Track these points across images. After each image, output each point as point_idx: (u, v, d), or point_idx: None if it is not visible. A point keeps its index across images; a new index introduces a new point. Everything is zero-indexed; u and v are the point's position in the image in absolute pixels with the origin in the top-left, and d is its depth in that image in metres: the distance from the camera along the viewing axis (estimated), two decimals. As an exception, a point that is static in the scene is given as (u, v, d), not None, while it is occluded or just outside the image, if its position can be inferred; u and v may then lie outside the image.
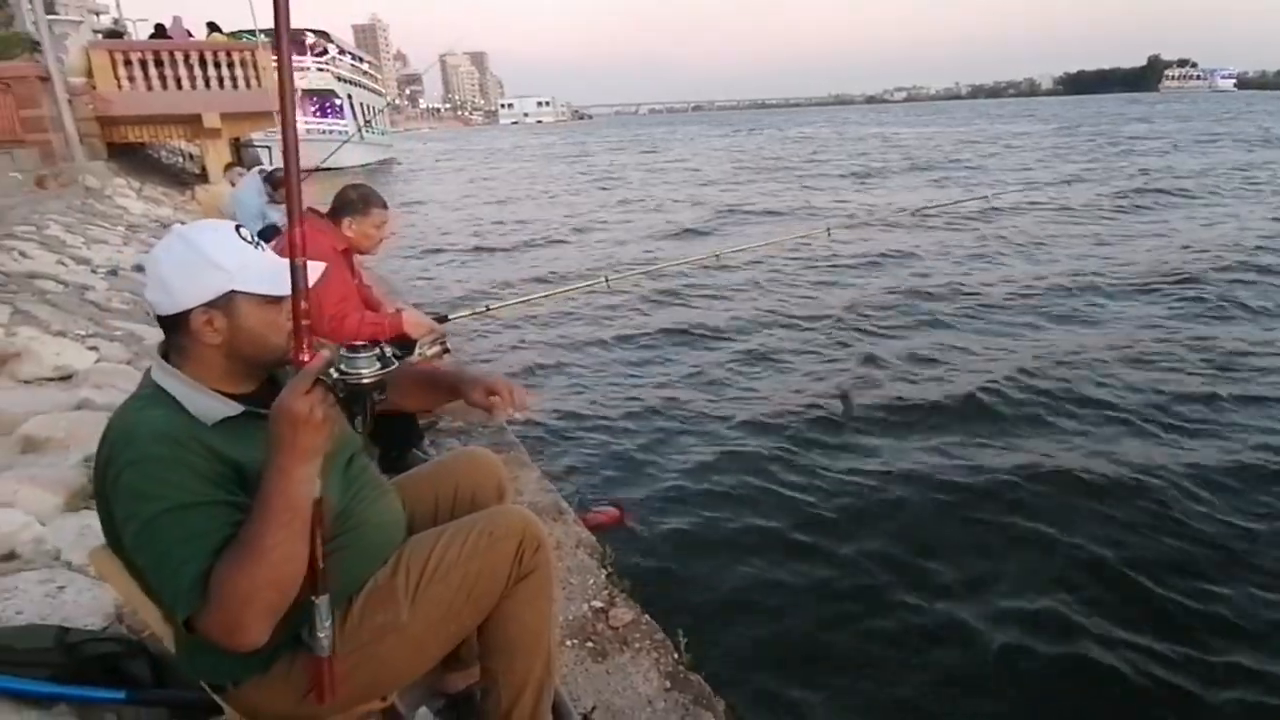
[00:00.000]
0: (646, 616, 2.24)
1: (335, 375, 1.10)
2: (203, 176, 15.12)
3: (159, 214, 10.32)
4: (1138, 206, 12.86)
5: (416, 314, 3.23)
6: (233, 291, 1.24)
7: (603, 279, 4.15)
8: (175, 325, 1.27)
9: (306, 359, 1.14)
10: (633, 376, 5.66)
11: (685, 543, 3.17)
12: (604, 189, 20.15)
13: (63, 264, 5.83)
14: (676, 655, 2.08)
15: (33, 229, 6.69)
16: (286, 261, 1.27)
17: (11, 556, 2.32)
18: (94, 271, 5.92)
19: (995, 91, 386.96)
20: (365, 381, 1.10)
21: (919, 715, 2.33)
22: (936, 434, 4.29)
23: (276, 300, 1.28)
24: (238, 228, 1.30)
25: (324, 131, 29.11)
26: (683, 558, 3.05)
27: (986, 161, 22.26)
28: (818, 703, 2.32)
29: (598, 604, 2.31)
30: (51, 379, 3.78)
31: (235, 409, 1.26)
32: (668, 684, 1.97)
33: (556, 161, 31.57)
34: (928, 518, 3.44)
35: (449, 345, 3.54)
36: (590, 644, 2.13)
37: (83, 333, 4.40)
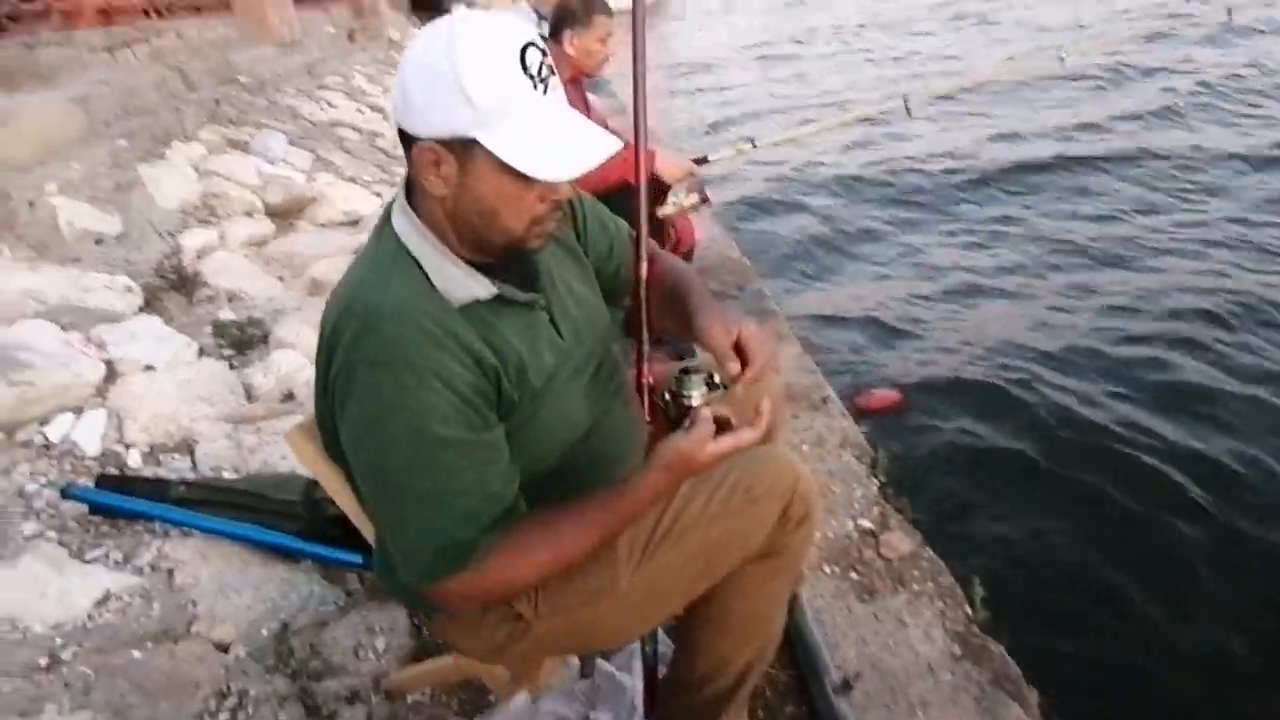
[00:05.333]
0: (929, 551, 1.78)
1: (667, 396, 1.09)
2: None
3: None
4: None
5: (672, 155, 2.76)
6: (474, 140, 0.89)
7: (900, 100, 3.07)
8: (406, 148, 0.95)
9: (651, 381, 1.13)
10: (929, 230, 4.69)
11: (985, 461, 2.53)
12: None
13: (360, 112, 6.22)
14: (969, 611, 1.61)
15: (340, 79, 7.22)
16: (577, 125, 0.94)
17: (290, 397, 2.42)
18: (386, 119, 6.26)
19: None
20: (694, 404, 1.07)
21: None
22: None
23: (532, 179, 0.91)
24: (527, 47, 0.90)
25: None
26: (980, 479, 2.43)
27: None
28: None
29: (866, 524, 1.88)
30: (341, 223, 4.01)
31: (487, 290, 0.96)
32: (957, 649, 1.52)
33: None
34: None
35: (707, 194, 3.04)
36: (855, 574, 1.73)
37: (370, 179, 4.63)
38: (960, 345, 3.34)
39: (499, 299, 0.98)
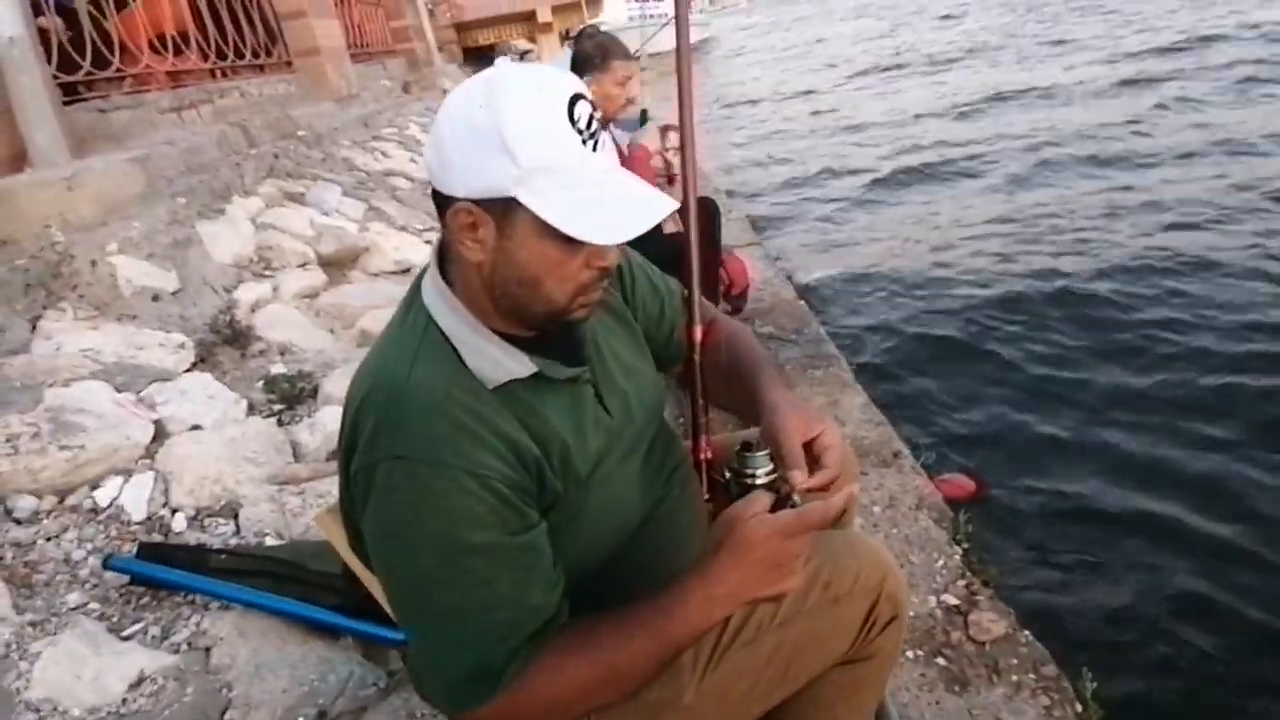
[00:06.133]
0: (1028, 634, 1.59)
1: (728, 474, 0.98)
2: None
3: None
4: None
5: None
6: (515, 200, 0.80)
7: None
8: (441, 211, 0.86)
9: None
10: (1008, 268, 4.41)
11: (1087, 537, 2.27)
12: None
13: (413, 161, 6.32)
14: (1080, 709, 1.42)
15: (395, 130, 7.39)
16: (629, 184, 0.84)
17: (335, 456, 2.37)
18: (438, 168, 6.34)
19: None
20: (760, 482, 0.95)
21: None
22: None
23: (577, 243, 0.82)
24: (575, 99, 0.81)
25: (648, 17, 29.03)
26: (1081, 557, 2.17)
27: None
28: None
29: (951, 599, 1.70)
30: (392, 272, 4.02)
31: (525, 368, 0.87)
32: (1067, 756, 1.33)
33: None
34: None
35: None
36: (942, 660, 1.55)
37: (421, 227, 4.66)
38: (1044, 400, 3.09)
39: (539, 376, 0.87)
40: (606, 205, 0.81)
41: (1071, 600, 1.98)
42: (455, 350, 0.85)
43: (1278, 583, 2.00)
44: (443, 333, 0.86)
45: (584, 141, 0.81)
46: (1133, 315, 3.63)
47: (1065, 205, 5.34)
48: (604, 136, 0.85)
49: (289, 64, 6.49)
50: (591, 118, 0.82)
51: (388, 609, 1.13)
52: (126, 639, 1.60)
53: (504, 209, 0.80)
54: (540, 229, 0.80)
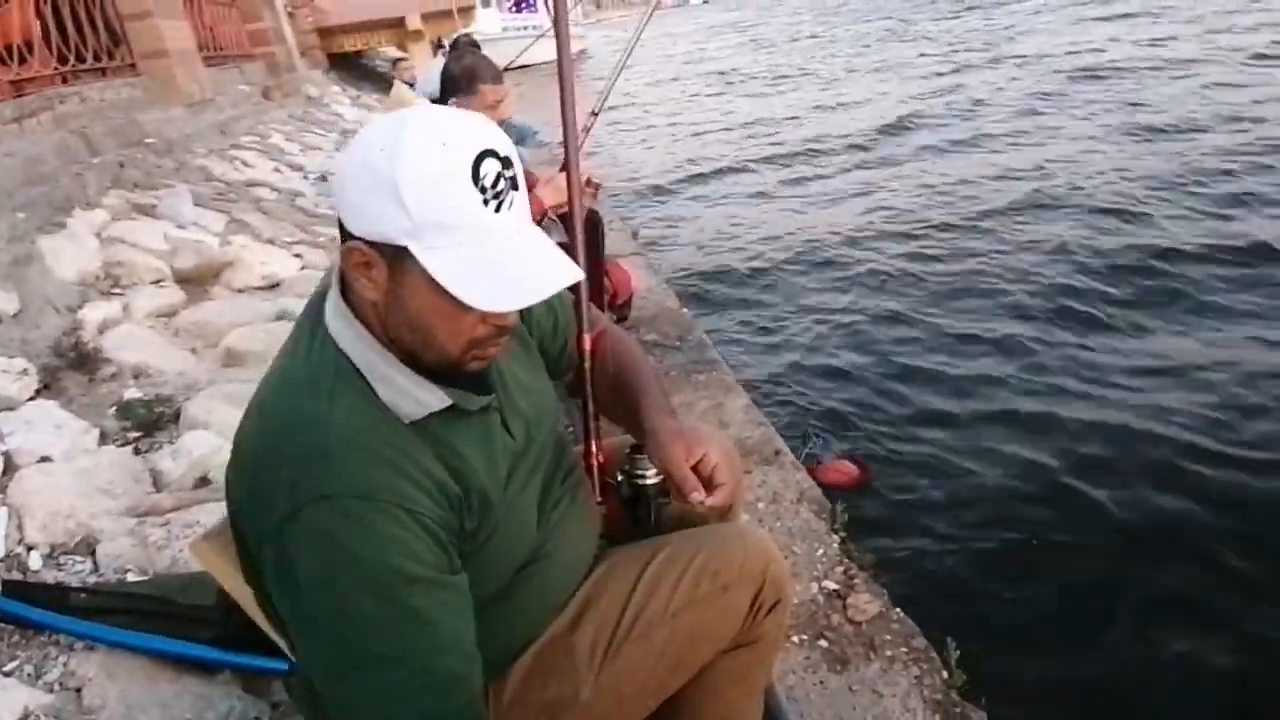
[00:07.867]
0: (899, 611, 1.71)
1: (620, 476, 1.09)
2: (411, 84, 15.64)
3: (370, 119, 10.68)
4: None
5: (552, 183, 2.47)
6: (407, 249, 0.77)
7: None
8: (343, 242, 0.83)
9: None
10: (880, 272, 4.67)
11: (949, 515, 2.46)
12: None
13: (278, 171, 6.03)
14: (945, 675, 1.55)
15: (256, 139, 7.01)
16: (531, 248, 0.81)
17: (205, 482, 2.23)
18: (305, 178, 6.08)
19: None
20: (650, 483, 1.08)
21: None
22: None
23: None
24: (483, 156, 0.76)
25: (521, 28, 28.95)
26: (944, 535, 2.37)
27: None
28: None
29: (831, 585, 1.81)
30: (260, 288, 3.81)
31: (440, 401, 0.84)
32: (937, 718, 1.45)
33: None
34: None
35: (593, 181, 2.66)
36: (824, 642, 1.65)
37: (290, 239, 4.45)
38: (920, 398, 3.30)
39: (453, 408, 0.86)
40: (502, 269, 0.78)
41: (939, 577, 2.17)
42: (368, 384, 0.82)
43: (1124, 549, 2.26)
44: (353, 365, 0.83)
45: (486, 201, 0.77)
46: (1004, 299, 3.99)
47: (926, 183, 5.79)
48: (513, 196, 0.80)
49: (133, 66, 6.04)
50: (499, 177, 0.78)
51: (272, 635, 1.09)
52: (8, 675, 1.47)
53: (395, 255, 0.78)
54: (432, 282, 0.77)
